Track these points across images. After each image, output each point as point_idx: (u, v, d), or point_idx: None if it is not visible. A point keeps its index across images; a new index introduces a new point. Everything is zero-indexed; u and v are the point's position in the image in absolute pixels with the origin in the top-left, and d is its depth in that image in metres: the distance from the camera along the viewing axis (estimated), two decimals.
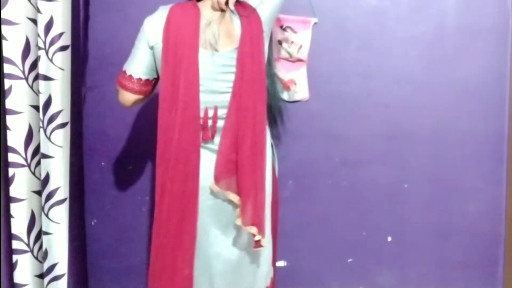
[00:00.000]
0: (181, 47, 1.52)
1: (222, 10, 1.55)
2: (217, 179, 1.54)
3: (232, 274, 1.60)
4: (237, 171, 1.54)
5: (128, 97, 1.64)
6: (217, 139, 1.57)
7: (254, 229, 1.54)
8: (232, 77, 1.55)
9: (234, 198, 1.55)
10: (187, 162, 1.54)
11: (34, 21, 1.77)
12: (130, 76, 1.61)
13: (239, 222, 1.55)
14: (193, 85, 1.52)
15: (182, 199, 1.54)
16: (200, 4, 1.59)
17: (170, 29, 1.54)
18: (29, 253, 1.84)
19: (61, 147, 1.89)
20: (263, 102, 1.58)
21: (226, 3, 1.54)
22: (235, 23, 1.55)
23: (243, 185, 1.54)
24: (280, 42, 2.15)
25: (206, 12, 1.57)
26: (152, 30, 1.57)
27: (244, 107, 1.54)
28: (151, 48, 1.58)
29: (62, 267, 1.94)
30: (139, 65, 1.60)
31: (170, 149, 1.53)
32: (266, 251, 1.64)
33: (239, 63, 1.54)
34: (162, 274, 1.57)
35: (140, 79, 1.61)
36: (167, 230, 1.55)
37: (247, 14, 1.55)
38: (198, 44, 1.53)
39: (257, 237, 1.55)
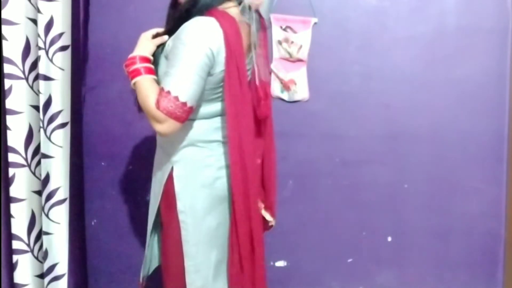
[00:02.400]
0: (242, 68, 1.47)
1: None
2: None
3: None
4: (263, 175, 1.63)
5: (177, 128, 1.42)
6: None
7: (273, 222, 1.72)
8: None
9: (260, 204, 1.64)
10: (255, 172, 1.57)
11: (34, 21, 1.77)
12: (184, 104, 1.38)
13: (269, 217, 1.67)
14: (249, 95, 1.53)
15: (254, 203, 1.56)
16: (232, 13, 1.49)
17: (233, 55, 1.43)
18: (29, 253, 1.84)
19: (61, 147, 1.89)
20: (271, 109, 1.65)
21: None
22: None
23: (269, 187, 1.65)
24: (280, 42, 2.15)
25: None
26: (218, 57, 1.42)
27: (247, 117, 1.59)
28: (212, 75, 1.44)
29: (62, 267, 1.94)
30: (196, 92, 1.40)
31: (245, 160, 1.51)
32: None
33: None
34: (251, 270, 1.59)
35: (191, 108, 1.41)
36: (250, 233, 1.57)
37: (266, 26, 1.58)
38: (246, 58, 1.51)
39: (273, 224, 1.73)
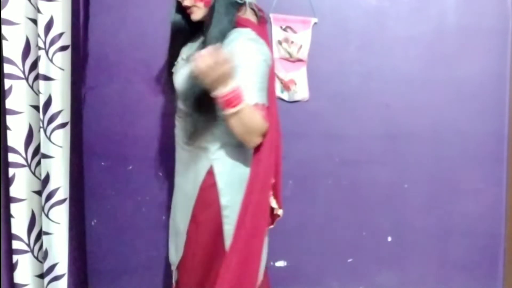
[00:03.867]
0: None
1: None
2: None
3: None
4: None
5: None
6: None
7: (279, 212, 1.72)
8: None
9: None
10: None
11: (34, 21, 1.77)
12: (267, 107, 1.57)
13: (274, 204, 1.68)
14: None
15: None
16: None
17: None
18: (29, 253, 1.84)
19: (61, 147, 1.89)
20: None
21: None
22: None
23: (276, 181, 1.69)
24: (280, 42, 2.15)
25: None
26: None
27: (275, 114, 1.66)
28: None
29: (62, 267, 1.94)
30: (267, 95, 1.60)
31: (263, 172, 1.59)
32: None
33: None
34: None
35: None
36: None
37: (266, 19, 1.73)
38: None
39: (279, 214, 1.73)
